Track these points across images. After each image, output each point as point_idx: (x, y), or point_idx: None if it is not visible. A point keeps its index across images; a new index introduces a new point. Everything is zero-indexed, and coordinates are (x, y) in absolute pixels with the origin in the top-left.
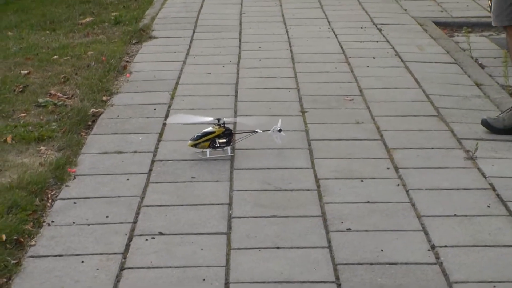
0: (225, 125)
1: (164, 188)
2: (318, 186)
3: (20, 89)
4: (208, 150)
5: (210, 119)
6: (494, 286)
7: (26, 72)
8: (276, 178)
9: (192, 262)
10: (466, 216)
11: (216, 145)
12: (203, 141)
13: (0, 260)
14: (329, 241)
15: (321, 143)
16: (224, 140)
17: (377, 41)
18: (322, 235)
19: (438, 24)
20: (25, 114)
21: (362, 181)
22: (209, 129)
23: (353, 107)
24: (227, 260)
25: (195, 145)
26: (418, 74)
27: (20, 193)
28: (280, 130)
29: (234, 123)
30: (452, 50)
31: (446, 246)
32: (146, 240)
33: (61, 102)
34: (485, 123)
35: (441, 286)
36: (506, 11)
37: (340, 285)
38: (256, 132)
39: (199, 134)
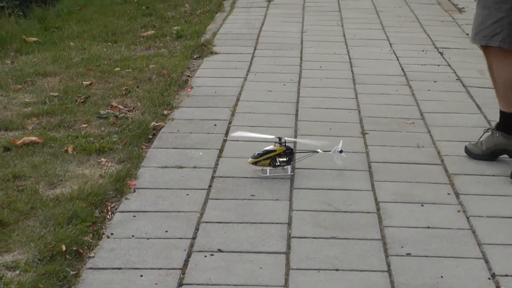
0: (286, 144)
1: (224, 205)
2: (378, 209)
3: (82, 100)
4: (268, 169)
5: (272, 137)
6: None
7: (88, 83)
8: (336, 199)
9: (251, 281)
10: None
11: (277, 164)
12: (264, 159)
13: (60, 271)
14: (388, 265)
15: (382, 165)
16: (285, 159)
17: (438, 65)
18: (382, 259)
19: None
20: (86, 125)
21: (422, 205)
22: (270, 147)
23: (414, 130)
24: (286, 280)
25: (255, 163)
26: (480, 99)
27: (80, 204)
28: (341, 151)
29: (295, 143)
30: None
31: (507, 275)
32: (205, 256)
33: (122, 114)
34: (466, 149)
35: None
36: (488, 30)
37: None
38: (317, 152)
39: (260, 152)
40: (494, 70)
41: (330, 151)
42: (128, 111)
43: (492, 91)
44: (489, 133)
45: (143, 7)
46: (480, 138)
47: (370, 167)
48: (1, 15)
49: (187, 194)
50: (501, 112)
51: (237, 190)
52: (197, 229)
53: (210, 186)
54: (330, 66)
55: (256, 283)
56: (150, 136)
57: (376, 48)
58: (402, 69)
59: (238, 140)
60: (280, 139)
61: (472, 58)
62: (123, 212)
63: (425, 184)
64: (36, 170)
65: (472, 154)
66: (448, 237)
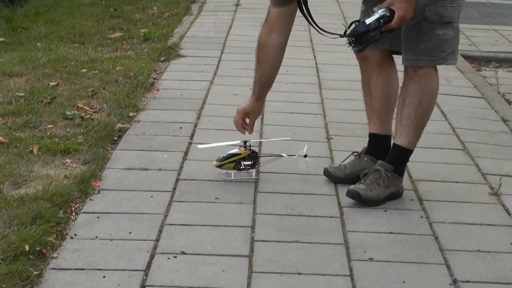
0: (251, 148)
1: (188, 207)
2: (342, 214)
3: (48, 101)
4: (232, 172)
5: (237, 142)
6: None
7: (54, 83)
8: (299, 203)
9: (213, 283)
10: (489, 252)
11: (241, 167)
12: (229, 162)
13: (23, 271)
14: (351, 270)
15: None
16: (249, 163)
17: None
18: (344, 263)
19: (466, 57)
20: (52, 125)
21: (385, 211)
22: (235, 150)
23: None
24: (248, 283)
25: (220, 166)
26: (445, 106)
27: (44, 204)
28: (305, 156)
29: (260, 146)
30: (479, 85)
31: (468, 282)
32: (168, 258)
33: (88, 116)
34: (325, 172)
35: None
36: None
37: None
38: (282, 156)
39: (225, 155)
40: (372, 83)
41: (294, 155)
42: (94, 112)
43: (458, 98)
44: (354, 157)
45: (111, 9)
46: (344, 161)
47: None
48: None
49: (152, 196)
50: (374, 136)
51: (201, 193)
52: (160, 231)
53: (174, 188)
54: (296, 71)
55: (219, 285)
56: (116, 138)
57: (343, 53)
58: None
59: (203, 143)
60: (245, 142)
61: (440, 66)
62: (87, 213)
63: None
64: (1, 170)
65: (333, 177)
66: (411, 243)
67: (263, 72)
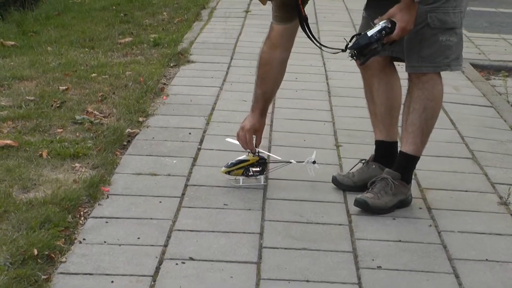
0: (260, 154)
1: (196, 213)
2: (350, 221)
3: (58, 105)
4: (241, 178)
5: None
6: None
7: (64, 88)
8: (308, 210)
9: None
10: (498, 261)
11: (250, 174)
12: (237, 169)
13: (31, 275)
14: (359, 278)
15: None
16: (258, 169)
17: None
18: (352, 271)
19: (475, 66)
20: (62, 130)
21: (394, 219)
22: (243, 157)
23: None
24: None
25: (228, 172)
26: (454, 115)
27: (53, 208)
28: (314, 162)
29: (268, 155)
30: (488, 93)
31: None
32: (176, 264)
33: (97, 120)
34: (334, 180)
35: None
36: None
37: None
38: (290, 162)
39: (233, 161)
40: (374, 91)
41: (303, 161)
42: (104, 117)
43: (467, 107)
44: (362, 164)
45: (121, 14)
46: (352, 169)
47: None
48: None
49: (160, 202)
50: (381, 143)
51: (210, 199)
52: (169, 236)
53: (183, 194)
54: (305, 78)
55: None
56: (125, 143)
57: (352, 61)
58: None
59: (212, 149)
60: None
61: (447, 74)
62: (96, 217)
63: None
64: (10, 173)
65: (342, 185)
66: (419, 251)
67: (266, 88)
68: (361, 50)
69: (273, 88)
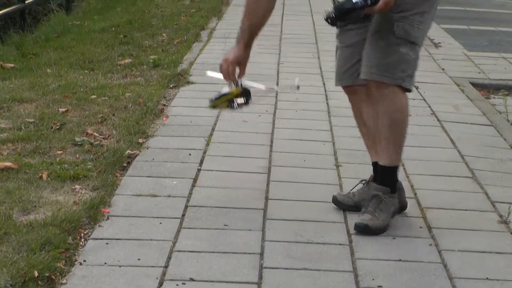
0: (242, 86)
1: (197, 234)
2: (350, 241)
3: (57, 127)
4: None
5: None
6: None
7: (64, 110)
8: (308, 230)
9: None
10: (498, 280)
11: (235, 106)
12: (222, 102)
13: None
14: None
15: None
16: (242, 101)
17: (413, 99)
18: None
19: (475, 85)
20: (61, 152)
21: (394, 238)
22: (225, 90)
23: None
24: None
25: (214, 107)
26: (454, 134)
27: (53, 230)
28: (298, 87)
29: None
30: (488, 112)
31: None
32: (177, 285)
33: (97, 142)
34: (334, 200)
35: None
36: (351, 70)
37: None
38: (274, 89)
39: (217, 95)
40: (364, 114)
41: (288, 88)
42: (103, 138)
43: (467, 126)
44: (362, 184)
45: (121, 36)
46: (352, 189)
47: None
48: None
49: (160, 223)
50: (381, 166)
51: (210, 219)
52: (169, 257)
53: (183, 215)
54: (306, 98)
55: None
56: (125, 164)
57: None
58: None
59: (212, 170)
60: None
61: (447, 93)
62: (96, 239)
63: (397, 217)
64: (10, 195)
65: (342, 204)
66: (420, 270)
67: (254, 20)
68: (342, 14)
69: (260, 21)
